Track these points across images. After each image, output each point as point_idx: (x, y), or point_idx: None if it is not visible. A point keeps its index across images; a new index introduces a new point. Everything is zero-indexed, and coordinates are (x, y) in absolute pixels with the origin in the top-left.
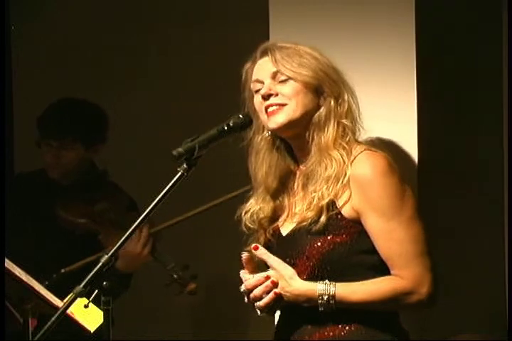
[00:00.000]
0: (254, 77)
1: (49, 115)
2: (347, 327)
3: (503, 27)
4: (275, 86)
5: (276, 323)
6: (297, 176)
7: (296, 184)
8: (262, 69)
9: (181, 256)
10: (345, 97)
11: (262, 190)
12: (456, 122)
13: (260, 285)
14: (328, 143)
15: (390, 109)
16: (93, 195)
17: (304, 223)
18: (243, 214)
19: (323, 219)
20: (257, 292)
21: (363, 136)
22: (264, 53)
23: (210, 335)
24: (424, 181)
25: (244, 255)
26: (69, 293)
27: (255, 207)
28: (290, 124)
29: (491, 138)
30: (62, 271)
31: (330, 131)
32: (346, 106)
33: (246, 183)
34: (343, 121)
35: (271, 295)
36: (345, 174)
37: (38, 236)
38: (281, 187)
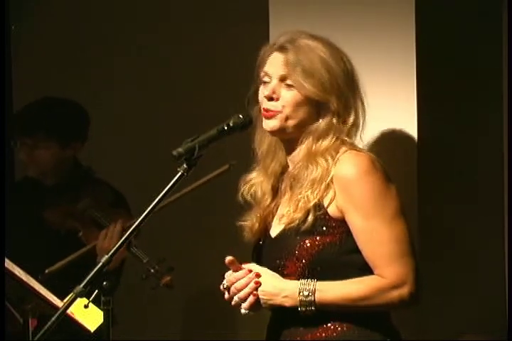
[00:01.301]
0: (265, 68)
1: (24, 113)
2: (339, 328)
3: (503, 27)
4: (280, 88)
5: (268, 324)
6: (285, 176)
7: (283, 185)
8: (274, 65)
9: (178, 257)
10: (351, 112)
11: (261, 168)
12: (456, 122)
13: (243, 278)
14: (319, 150)
15: (390, 109)
16: (77, 194)
17: (292, 224)
18: (242, 184)
19: (310, 219)
20: (237, 285)
21: (362, 136)
22: (282, 48)
23: (206, 335)
24: (423, 181)
25: (228, 258)
26: (57, 293)
27: (256, 179)
28: (282, 130)
29: (491, 138)
30: (46, 271)
31: (325, 144)
32: (350, 122)
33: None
34: (344, 137)
35: (251, 285)
36: (329, 174)
37: (26, 236)
38: (275, 176)
